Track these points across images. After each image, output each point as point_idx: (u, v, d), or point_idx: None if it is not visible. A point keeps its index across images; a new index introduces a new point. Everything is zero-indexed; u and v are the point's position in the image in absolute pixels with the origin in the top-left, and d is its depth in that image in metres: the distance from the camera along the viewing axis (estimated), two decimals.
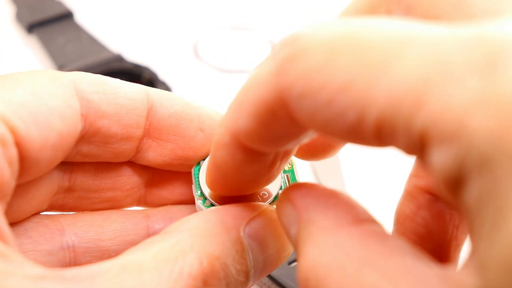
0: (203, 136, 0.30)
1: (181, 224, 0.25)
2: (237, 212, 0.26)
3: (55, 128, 0.26)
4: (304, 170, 0.44)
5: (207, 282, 0.24)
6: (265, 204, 0.27)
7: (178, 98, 0.30)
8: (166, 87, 0.50)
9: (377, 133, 0.19)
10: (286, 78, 0.20)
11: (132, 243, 0.29)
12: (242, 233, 0.25)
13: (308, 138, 0.24)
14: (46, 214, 0.30)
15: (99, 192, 0.30)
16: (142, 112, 0.29)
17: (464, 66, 0.17)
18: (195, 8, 0.60)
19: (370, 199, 0.42)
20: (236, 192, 0.28)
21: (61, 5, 0.57)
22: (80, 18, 0.56)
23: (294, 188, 0.24)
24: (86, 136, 0.28)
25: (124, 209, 0.32)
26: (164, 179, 0.32)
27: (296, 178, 0.30)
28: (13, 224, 0.28)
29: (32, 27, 0.55)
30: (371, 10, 0.25)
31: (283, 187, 0.30)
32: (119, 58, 0.52)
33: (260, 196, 0.29)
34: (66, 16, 0.56)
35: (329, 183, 0.43)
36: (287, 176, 0.30)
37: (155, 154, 0.30)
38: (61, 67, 0.51)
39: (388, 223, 0.40)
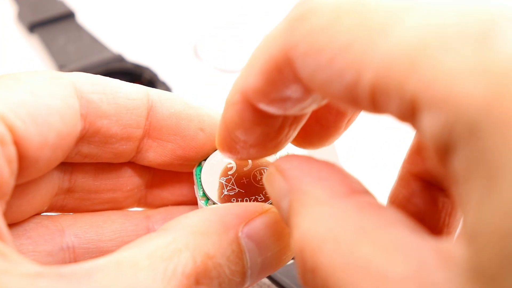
0: (204, 136, 0.30)
1: (179, 221, 0.25)
2: (237, 212, 0.26)
3: (54, 128, 0.25)
4: None
5: (199, 281, 0.24)
6: (267, 205, 0.27)
7: (178, 98, 0.30)
8: (166, 87, 0.50)
9: (371, 96, 0.19)
10: (293, 36, 0.21)
11: None
12: (240, 233, 0.25)
13: (312, 104, 0.24)
14: (46, 215, 0.30)
15: (99, 193, 0.30)
16: (142, 112, 0.29)
17: (459, 33, 0.18)
18: (195, 8, 0.60)
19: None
20: (243, 156, 0.27)
21: (62, 5, 0.57)
22: (82, 18, 0.57)
23: (285, 159, 0.24)
24: (86, 136, 0.28)
25: (125, 209, 0.32)
26: (165, 180, 0.32)
27: None
28: (13, 224, 0.28)
29: (33, 27, 0.55)
30: None
31: None
32: (119, 58, 0.52)
33: (263, 194, 0.29)
34: (68, 16, 0.56)
35: None
36: None
37: (155, 154, 0.30)
38: (62, 66, 0.51)
39: None
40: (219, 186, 0.29)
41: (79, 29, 0.55)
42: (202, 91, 0.52)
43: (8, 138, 0.24)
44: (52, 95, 0.26)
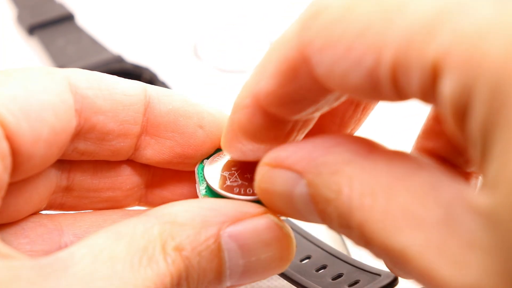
0: (203, 133, 0.29)
1: (161, 208, 0.25)
2: (224, 209, 0.25)
3: (48, 123, 0.25)
4: None
5: (171, 272, 0.24)
6: (263, 208, 0.26)
7: (177, 95, 0.30)
8: (166, 87, 0.50)
9: (393, 76, 0.19)
10: (308, 33, 0.21)
11: None
12: (222, 232, 0.25)
13: (325, 106, 0.24)
14: (46, 214, 0.30)
15: (98, 191, 0.30)
16: (139, 108, 0.29)
17: None
18: (194, 8, 0.60)
19: None
20: (250, 158, 0.27)
21: (62, 7, 0.57)
22: (81, 20, 0.56)
23: (273, 154, 0.24)
24: (81, 133, 0.28)
25: (126, 208, 0.31)
26: (164, 178, 0.31)
27: None
28: (11, 223, 0.28)
29: (33, 29, 0.55)
30: None
31: None
32: (119, 59, 0.52)
33: None
34: (67, 18, 0.56)
35: None
36: None
37: (153, 151, 0.30)
38: (61, 67, 0.51)
39: None
40: (222, 179, 0.29)
41: (79, 30, 0.55)
42: (202, 91, 0.52)
43: (0, 133, 0.24)
44: (45, 90, 0.26)
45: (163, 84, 0.50)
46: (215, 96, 0.51)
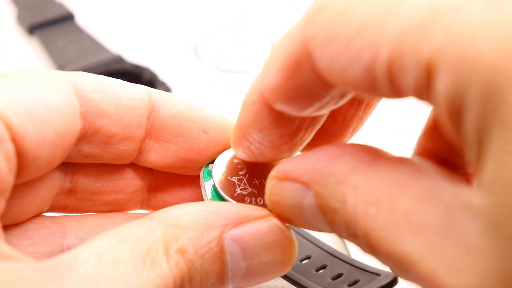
0: (207, 138, 0.30)
1: (165, 211, 0.25)
2: (227, 212, 0.26)
3: (53, 126, 0.25)
4: None
5: (174, 275, 0.24)
6: (265, 211, 0.26)
7: (181, 99, 0.30)
8: (166, 88, 0.50)
9: (388, 72, 0.20)
10: (310, 28, 0.22)
11: None
12: (225, 234, 0.25)
13: (330, 103, 0.24)
14: (49, 216, 0.30)
15: (101, 194, 0.30)
16: (143, 112, 0.29)
17: None
18: (194, 8, 0.60)
19: None
20: (257, 157, 0.27)
21: (62, 7, 0.57)
22: (81, 19, 0.57)
23: (280, 168, 0.24)
24: (86, 136, 0.28)
25: (129, 212, 0.31)
26: (167, 182, 0.31)
27: None
28: (14, 225, 0.28)
29: (33, 29, 0.55)
30: None
31: None
32: (119, 59, 0.52)
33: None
34: (67, 18, 0.56)
35: None
36: None
37: (157, 155, 0.30)
38: (61, 68, 0.51)
39: None
40: (231, 185, 0.29)
41: (79, 30, 0.55)
42: (202, 91, 0.52)
43: (5, 135, 0.24)
44: (50, 93, 0.26)
45: (163, 84, 0.50)
46: (215, 96, 0.51)
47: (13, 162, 0.25)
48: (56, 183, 0.29)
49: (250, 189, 0.29)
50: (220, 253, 0.25)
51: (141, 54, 0.53)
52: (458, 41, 0.18)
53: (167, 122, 0.29)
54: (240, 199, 0.29)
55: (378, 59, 0.20)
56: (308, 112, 0.24)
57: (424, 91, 0.19)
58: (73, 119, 0.27)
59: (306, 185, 0.23)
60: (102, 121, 0.28)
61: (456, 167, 0.28)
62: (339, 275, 0.31)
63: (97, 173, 0.30)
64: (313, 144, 0.27)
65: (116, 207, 0.31)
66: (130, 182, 0.31)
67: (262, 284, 0.37)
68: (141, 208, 0.32)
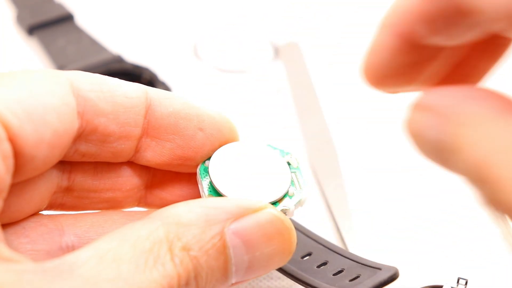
0: (203, 135, 0.30)
1: (165, 210, 0.26)
2: (226, 207, 0.26)
3: (51, 125, 0.26)
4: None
5: (178, 273, 0.24)
6: (263, 202, 0.27)
7: (178, 97, 0.30)
8: (166, 87, 0.50)
9: None
10: None
11: None
12: (226, 229, 0.25)
13: (468, 33, 0.23)
14: (46, 214, 0.30)
15: (98, 192, 0.31)
16: (140, 111, 0.29)
17: None
18: (194, 8, 0.60)
19: (370, 199, 0.42)
20: (388, 86, 0.26)
21: (61, 7, 0.57)
22: (81, 20, 0.56)
23: (426, 97, 0.23)
24: (83, 135, 0.28)
25: (126, 209, 0.32)
26: (164, 180, 0.32)
27: (304, 176, 0.31)
28: (12, 223, 0.28)
29: (32, 29, 0.55)
30: None
31: (292, 185, 0.30)
32: (119, 59, 0.52)
33: (272, 190, 0.29)
34: (67, 18, 0.56)
35: (328, 183, 0.42)
36: (294, 174, 0.31)
37: (154, 153, 0.30)
38: (61, 68, 0.51)
39: (386, 220, 0.40)
40: (228, 181, 0.29)
41: (78, 31, 0.55)
42: (202, 91, 0.52)
43: (3, 134, 0.24)
44: (48, 93, 0.26)
45: (163, 84, 0.50)
46: (215, 96, 0.51)
47: (10, 161, 0.25)
48: (53, 181, 0.29)
49: (246, 185, 0.29)
50: (223, 248, 0.25)
51: (141, 54, 0.53)
52: None
53: (163, 120, 0.29)
54: (237, 194, 0.29)
55: None
56: (438, 40, 0.23)
57: None
58: (71, 118, 0.27)
59: (444, 120, 0.22)
60: (99, 120, 0.28)
61: None
62: (340, 271, 0.32)
63: (94, 171, 0.30)
64: (445, 82, 0.26)
65: (113, 205, 0.31)
66: (127, 180, 0.31)
67: (262, 285, 0.37)
68: (138, 205, 0.32)
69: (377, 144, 0.47)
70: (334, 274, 0.32)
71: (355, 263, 0.32)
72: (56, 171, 0.29)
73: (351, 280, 0.31)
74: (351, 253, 0.33)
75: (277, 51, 0.55)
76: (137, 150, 0.30)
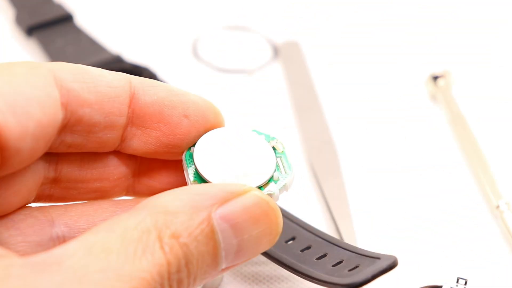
0: (188, 122, 0.30)
1: (151, 200, 0.26)
2: (211, 192, 0.26)
3: (34, 117, 0.25)
4: (302, 170, 0.44)
5: (168, 261, 0.24)
6: (248, 186, 0.27)
7: (162, 85, 0.30)
8: None
9: None
10: None
11: None
12: (213, 214, 0.25)
13: None
14: (36, 206, 0.30)
15: (86, 182, 0.31)
16: (124, 100, 0.29)
17: None
18: (194, 7, 0.60)
19: (370, 199, 0.42)
20: None
21: (60, 7, 0.57)
22: (80, 20, 0.56)
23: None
24: (68, 125, 0.28)
25: (115, 198, 0.32)
26: (151, 168, 0.32)
27: (289, 161, 0.31)
28: (1, 216, 0.29)
29: (31, 30, 0.55)
30: None
31: (277, 170, 0.30)
32: (118, 59, 0.52)
33: (257, 175, 0.29)
34: (66, 18, 0.56)
35: (328, 183, 0.42)
36: (280, 159, 0.31)
37: (140, 142, 0.30)
38: None
39: (386, 220, 0.40)
40: (213, 167, 0.29)
41: (78, 31, 0.55)
42: (202, 91, 0.51)
43: None
44: (30, 85, 0.26)
45: None
46: (214, 96, 0.51)
47: None
48: (40, 173, 0.29)
49: (231, 170, 0.29)
50: (212, 233, 0.25)
51: (141, 54, 0.53)
52: None
53: (148, 109, 0.29)
54: (222, 180, 0.29)
55: None
56: None
57: None
58: (54, 109, 0.27)
59: None
60: (83, 111, 0.28)
61: None
62: (339, 262, 0.32)
63: (80, 161, 0.30)
64: None
65: (101, 194, 0.31)
66: (114, 169, 0.31)
67: (261, 274, 0.37)
68: (126, 194, 0.32)
69: (377, 144, 0.46)
70: (333, 265, 0.32)
71: (354, 254, 0.32)
72: (42, 163, 0.29)
73: (350, 270, 0.31)
74: (350, 245, 0.33)
75: (276, 50, 0.55)
76: (123, 139, 0.30)
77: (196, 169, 0.29)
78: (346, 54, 0.55)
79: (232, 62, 0.54)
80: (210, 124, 0.30)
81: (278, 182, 0.30)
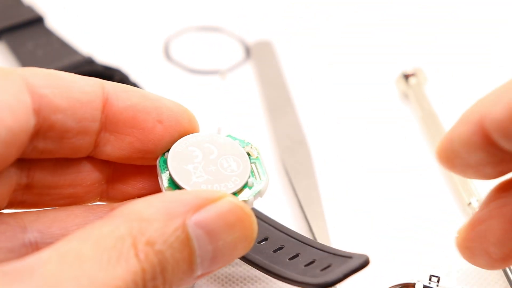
0: (162, 128, 0.30)
1: (125, 207, 0.25)
2: (185, 199, 0.26)
3: (5, 124, 0.25)
4: (275, 171, 0.44)
5: (143, 268, 0.24)
6: (222, 192, 0.27)
7: (135, 90, 0.30)
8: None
9: None
10: None
11: None
12: (188, 221, 0.25)
13: None
14: (7, 212, 0.29)
15: (59, 188, 0.30)
16: (97, 105, 0.29)
17: None
18: (165, 8, 0.59)
19: (342, 198, 0.42)
20: (459, 170, 0.29)
21: (30, 10, 0.56)
22: (51, 22, 0.56)
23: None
24: (40, 132, 0.28)
25: (88, 204, 0.31)
26: (125, 173, 0.32)
27: (263, 167, 0.31)
28: None
29: (0, 33, 0.54)
30: None
31: (251, 176, 0.30)
32: (89, 61, 0.52)
33: (233, 181, 0.29)
34: (36, 21, 0.55)
35: (301, 183, 0.42)
36: (254, 165, 0.31)
37: (113, 147, 0.30)
38: None
39: (359, 220, 0.40)
40: (187, 173, 0.29)
41: (48, 33, 0.55)
42: (174, 91, 0.51)
43: None
44: (1, 91, 0.26)
45: (134, 85, 0.49)
46: (186, 97, 0.51)
47: None
48: (12, 179, 0.29)
49: (206, 176, 0.29)
50: (187, 240, 0.25)
51: (112, 55, 0.53)
52: None
53: (121, 114, 0.29)
54: (196, 186, 0.29)
55: None
56: None
57: None
58: (26, 116, 0.26)
59: None
60: (56, 116, 0.28)
61: None
62: (311, 262, 0.32)
63: (53, 167, 0.30)
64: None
65: (74, 200, 0.31)
66: (88, 175, 0.31)
67: (234, 275, 0.37)
68: (100, 200, 0.32)
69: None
70: (305, 265, 0.32)
71: (326, 253, 0.32)
72: (14, 169, 0.29)
73: (322, 270, 0.31)
74: (322, 244, 0.33)
75: (248, 50, 0.55)
76: (96, 145, 0.30)
77: (170, 175, 0.29)
78: (321, 53, 0.55)
79: (203, 63, 0.54)
80: (184, 129, 0.30)
81: (253, 188, 0.30)
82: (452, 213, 0.41)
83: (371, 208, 0.41)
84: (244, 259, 0.33)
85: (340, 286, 0.35)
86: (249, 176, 0.30)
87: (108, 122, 0.29)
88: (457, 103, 0.49)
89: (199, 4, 0.60)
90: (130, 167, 0.31)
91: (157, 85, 0.51)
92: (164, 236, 0.24)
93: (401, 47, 0.56)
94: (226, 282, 0.37)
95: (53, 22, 0.56)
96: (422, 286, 0.35)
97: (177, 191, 0.28)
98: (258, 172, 0.30)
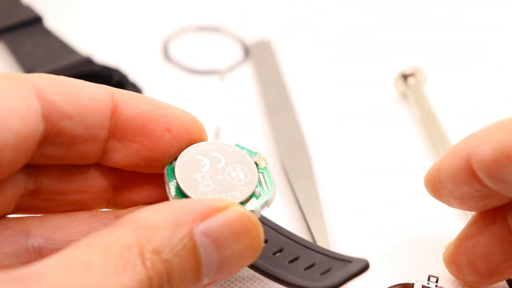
0: (170, 136, 0.30)
1: (133, 216, 0.25)
2: (193, 207, 0.26)
3: (14, 129, 0.25)
4: (274, 170, 0.44)
5: (149, 276, 0.24)
6: (229, 201, 0.27)
7: (144, 98, 0.30)
8: (136, 89, 0.49)
9: None
10: None
11: None
12: (195, 229, 0.25)
13: None
14: (12, 217, 0.30)
15: (66, 194, 0.30)
16: (106, 113, 0.29)
17: None
18: (164, 8, 0.59)
19: (341, 199, 0.42)
20: (444, 200, 0.31)
21: (29, 10, 0.56)
22: (50, 22, 0.56)
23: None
24: (49, 138, 0.28)
25: (93, 210, 0.31)
26: (132, 181, 0.32)
27: (271, 177, 0.31)
28: None
29: None
30: None
31: (259, 186, 0.30)
32: (88, 61, 0.51)
33: (239, 190, 0.29)
34: (35, 21, 0.55)
35: (300, 183, 0.42)
36: (262, 174, 0.31)
37: (121, 155, 0.30)
38: (29, 72, 0.50)
39: (358, 220, 0.40)
40: (194, 182, 0.29)
41: (47, 33, 0.54)
42: (173, 92, 0.51)
43: None
44: (10, 96, 0.26)
45: (133, 86, 0.50)
46: (185, 98, 0.50)
47: None
48: (20, 185, 0.29)
49: (213, 186, 0.29)
50: (194, 249, 0.25)
51: (111, 55, 0.53)
52: None
53: (130, 122, 0.29)
54: (203, 195, 0.29)
55: None
56: (504, 192, 0.27)
57: None
58: (35, 121, 0.26)
59: None
60: (64, 123, 0.28)
61: None
62: (311, 265, 0.32)
63: (61, 174, 0.30)
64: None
65: (81, 206, 0.31)
66: (95, 182, 0.31)
67: (234, 284, 0.37)
68: (106, 207, 0.32)
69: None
70: (305, 269, 0.32)
71: (326, 257, 0.32)
72: (22, 175, 0.29)
73: (322, 274, 0.31)
74: (322, 248, 0.33)
75: (247, 50, 0.55)
76: (104, 152, 0.30)
77: (177, 183, 0.29)
78: (321, 54, 0.55)
79: (202, 63, 0.54)
80: (192, 138, 0.30)
81: (260, 198, 0.30)
82: (452, 213, 0.41)
83: (370, 208, 0.41)
84: None
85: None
86: (257, 185, 0.30)
87: (117, 130, 0.29)
88: (457, 103, 0.49)
89: (198, 4, 0.60)
90: (137, 174, 0.31)
91: (156, 85, 0.51)
92: (171, 244, 0.24)
93: (401, 47, 0.56)
94: (225, 282, 0.37)
95: (51, 22, 0.56)
96: (421, 286, 0.35)
97: (184, 200, 0.28)
98: (265, 182, 0.30)
